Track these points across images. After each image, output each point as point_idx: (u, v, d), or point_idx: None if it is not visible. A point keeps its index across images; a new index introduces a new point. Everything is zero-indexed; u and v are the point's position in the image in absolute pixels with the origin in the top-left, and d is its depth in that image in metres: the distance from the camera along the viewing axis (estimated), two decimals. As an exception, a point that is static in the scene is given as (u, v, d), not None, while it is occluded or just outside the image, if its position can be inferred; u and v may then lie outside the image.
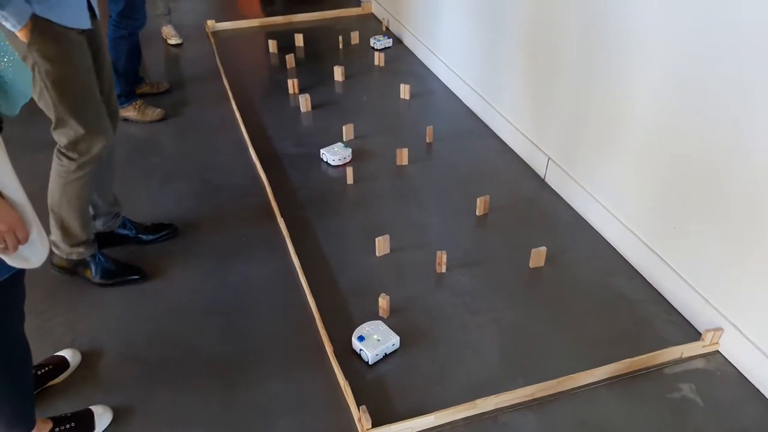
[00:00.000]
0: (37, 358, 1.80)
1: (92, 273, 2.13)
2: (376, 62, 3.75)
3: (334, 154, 2.80)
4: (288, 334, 1.99)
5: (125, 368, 1.87)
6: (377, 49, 3.95)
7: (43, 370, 1.77)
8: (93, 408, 1.69)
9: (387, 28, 4.25)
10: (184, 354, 1.92)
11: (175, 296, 2.13)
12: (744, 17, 1.65)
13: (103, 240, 2.23)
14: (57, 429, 1.60)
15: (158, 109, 3.19)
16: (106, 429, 1.68)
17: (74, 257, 2.10)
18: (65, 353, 1.85)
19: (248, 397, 1.79)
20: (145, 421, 1.72)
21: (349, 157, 2.83)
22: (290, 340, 1.97)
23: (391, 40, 4.03)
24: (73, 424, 1.63)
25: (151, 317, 2.05)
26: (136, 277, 2.17)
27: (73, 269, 2.14)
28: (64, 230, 2.04)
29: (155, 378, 1.84)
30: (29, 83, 1.27)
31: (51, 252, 2.08)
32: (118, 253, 2.26)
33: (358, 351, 1.91)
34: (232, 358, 1.91)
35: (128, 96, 3.14)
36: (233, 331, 2.00)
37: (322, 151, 2.84)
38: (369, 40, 4.03)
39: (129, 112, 3.15)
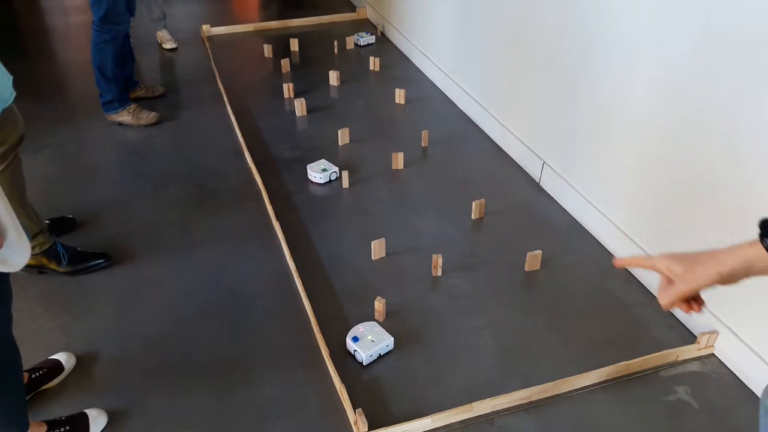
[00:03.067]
0: (32, 361, 1.80)
1: (57, 263, 2.13)
2: (371, 67, 3.76)
3: (318, 172, 2.70)
4: (284, 338, 1.98)
5: (120, 371, 1.86)
6: (361, 46, 4.05)
7: (37, 374, 1.76)
8: (88, 411, 1.68)
9: (382, 33, 4.26)
10: (179, 357, 1.91)
11: (171, 300, 2.12)
12: (739, 24, 1.66)
13: None
14: (51, 432, 1.59)
15: (153, 113, 3.19)
16: (100, 432, 1.68)
17: (36, 250, 2.08)
18: (60, 356, 1.84)
19: (244, 400, 1.78)
20: (141, 425, 1.71)
21: (335, 175, 2.73)
22: (286, 343, 1.96)
23: (374, 36, 4.10)
24: (67, 428, 1.62)
25: (146, 321, 2.04)
26: (102, 261, 2.17)
27: (38, 264, 2.13)
28: None
29: (151, 381, 1.83)
30: (8, 88, 1.26)
31: None
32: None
33: (352, 352, 1.90)
34: (228, 362, 1.90)
35: (122, 100, 3.12)
36: (229, 335, 1.99)
37: (308, 167, 2.73)
38: (361, 43, 4.06)
39: (123, 116, 3.14)
